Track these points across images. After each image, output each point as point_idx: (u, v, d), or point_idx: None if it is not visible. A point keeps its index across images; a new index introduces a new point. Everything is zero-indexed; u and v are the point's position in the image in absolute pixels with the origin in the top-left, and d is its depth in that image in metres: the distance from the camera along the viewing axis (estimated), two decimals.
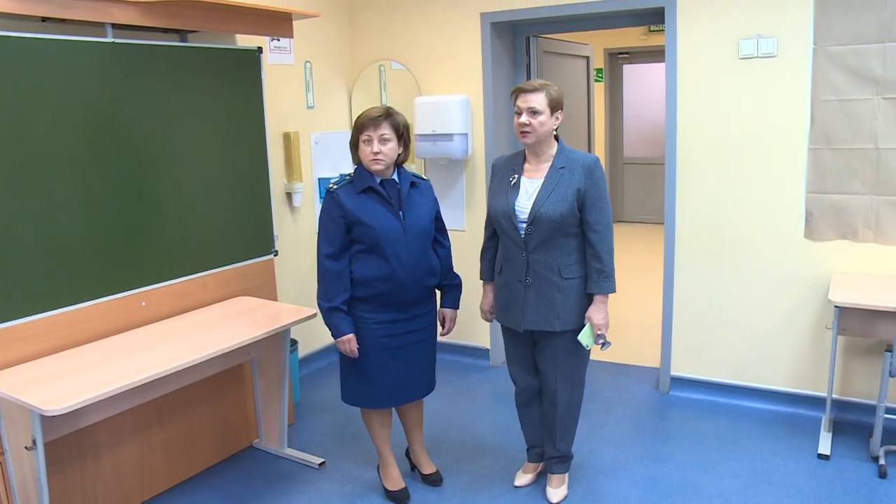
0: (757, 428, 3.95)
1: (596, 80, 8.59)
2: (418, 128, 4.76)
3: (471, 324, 5.02)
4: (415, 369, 3.21)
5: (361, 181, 3.03)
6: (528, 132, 2.96)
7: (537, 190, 3.00)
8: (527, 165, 3.09)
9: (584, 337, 3.05)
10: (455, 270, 3.34)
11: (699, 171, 4.14)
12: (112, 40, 3.19)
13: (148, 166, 3.40)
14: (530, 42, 4.93)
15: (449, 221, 4.90)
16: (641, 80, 9.83)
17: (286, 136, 4.60)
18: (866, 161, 3.70)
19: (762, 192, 3.99)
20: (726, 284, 4.18)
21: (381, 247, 2.99)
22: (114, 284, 3.29)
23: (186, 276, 3.62)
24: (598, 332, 3.05)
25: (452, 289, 3.32)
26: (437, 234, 3.23)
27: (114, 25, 3.24)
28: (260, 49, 3.93)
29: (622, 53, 9.72)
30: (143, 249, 3.40)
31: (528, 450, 3.52)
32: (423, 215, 3.10)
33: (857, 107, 3.67)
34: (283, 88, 4.60)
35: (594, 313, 3.03)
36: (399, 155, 3.07)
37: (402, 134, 3.04)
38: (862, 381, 3.92)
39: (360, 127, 2.99)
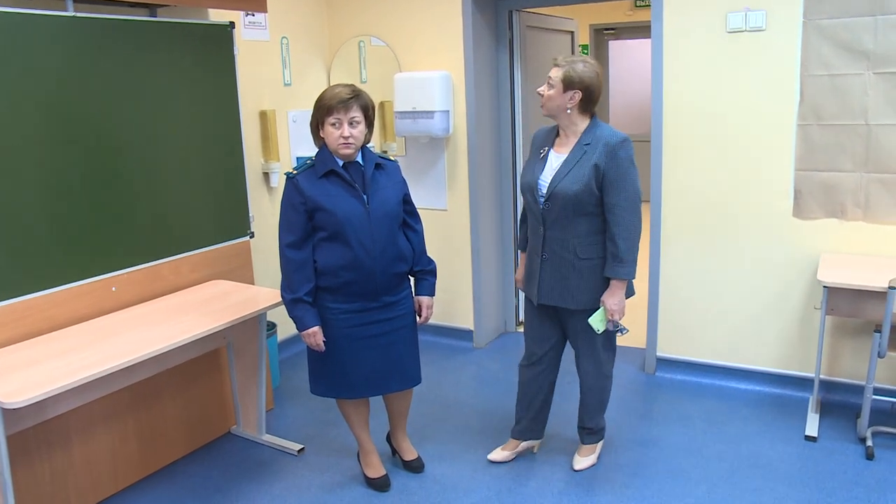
0: (744, 409, 3.90)
1: None
2: (398, 105, 4.64)
3: (454, 305, 4.94)
4: (391, 359, 3.06)
5: (323, 165, 2.88)
6: (542, 104, 2.99)
7: (559, 165, 2.97)
8: (558, 139, 3.06)
9: (595, 320, 3.01)
10: (430, 255, 3.21)
11: (685, 148, 4.04)
12: (73, 14, 3.04)
13: (116, 147, 3.27)
14: (513, 16, 4.80)
15: (430, 201, 4.84)
16: (628, 56, 9.71)
17: (262, 115, 4.47)
18: (856, 138, 3.61)
19: (750, 170, 3.90)
20: (713, 264, 4.10)
21: (344, 233, 2.84)
22: (81, 269, 3.18)
23: (158, 259, 3.51)
24: (611, 318, 2.99)
25: (426, 275, 3.17)
26: (408, 218, 3.09)
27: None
28: (232, 24, 3.79)
29: (608, 29, 9.58)
30: (112, 232, 3.28)
31: (515, 424, 3.49)
32: (389, 198, 2.95)
33: (848, 82, 3.58)
34: (259, 65, 4.46)
35: (607, 297, 2.99)
36: (365, 136, 2.92)
37: (370, 114, 2.91)
38: (850, 362, 3.87)
39: (328, 109, 2.81)
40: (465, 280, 4.87)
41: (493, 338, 5.12)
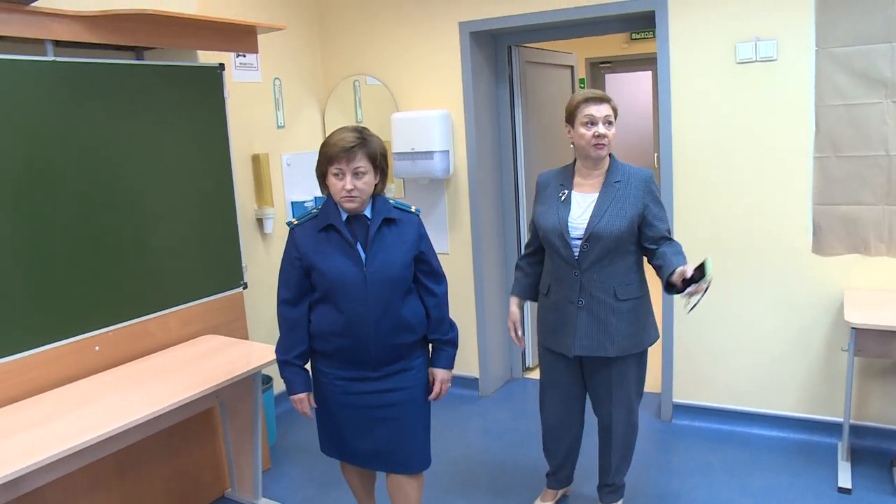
0: (768, 458, 3.68)
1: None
2: (396, 146, 4.49)
3: (458, 352, 4.71)
4: (392, 436, 2.68)
5: (325, 216, 2.57)
6: (603, 144, 2.78)
7: (592, 205, 2.83)
8: (577, 179, 2.92)
9: (709, 266, 2.54)
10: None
11: (696, 184, 3.88)
12: (53, 59, 2.88)
13: (99, 196, 3.09)
14: (512, 52, 4.67)
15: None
16: (625, 89, 9.61)
17: (255, 158, 4.30)
18: (876, 169, 3.45)
19: (765, 206, 3.74)
20: (730, 304, 3.91)
21: (334, 296, 2.53)
22: (61, 328, 2.98)
23: (145, 315, 3.31)
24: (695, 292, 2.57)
25: (444, 345, 2.75)
26: (425, 279, 2.69)
27: (59, 43, 2.96)
28: (222, 66, 3.64)
29: (604, 63, 9.49)
30: (94, 288, 3.09)
31: (549, 474, 3.30)
32: (393, 260, 2.56)
33: (866, 111, 3.43)
34: (251, 107, 4.31)
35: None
36: (376, 185, 2.58)
37: (379, 162, 2.55)
38: (879, 405, 3.66)
39: (330, 158, 2.48)
40: (469, 326, 4.67)
41: (500, 385, 4.90)
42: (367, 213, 2.59)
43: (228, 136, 3.68)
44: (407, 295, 2.63)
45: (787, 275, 3.75)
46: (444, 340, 2.75)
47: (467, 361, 4.76)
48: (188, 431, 3.46)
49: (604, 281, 2.82)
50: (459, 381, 4.80)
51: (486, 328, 4.67)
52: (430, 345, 2.78)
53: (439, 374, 2.76)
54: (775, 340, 3.84)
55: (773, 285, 3.79)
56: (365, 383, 2.63)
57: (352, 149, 2.46)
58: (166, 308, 3.41)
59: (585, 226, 2.80)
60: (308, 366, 2.73)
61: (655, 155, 9.26)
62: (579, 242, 2.81)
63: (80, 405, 2.73)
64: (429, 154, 4.39)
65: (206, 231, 3.60)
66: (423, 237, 2.69)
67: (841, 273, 3.63)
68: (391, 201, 2.67)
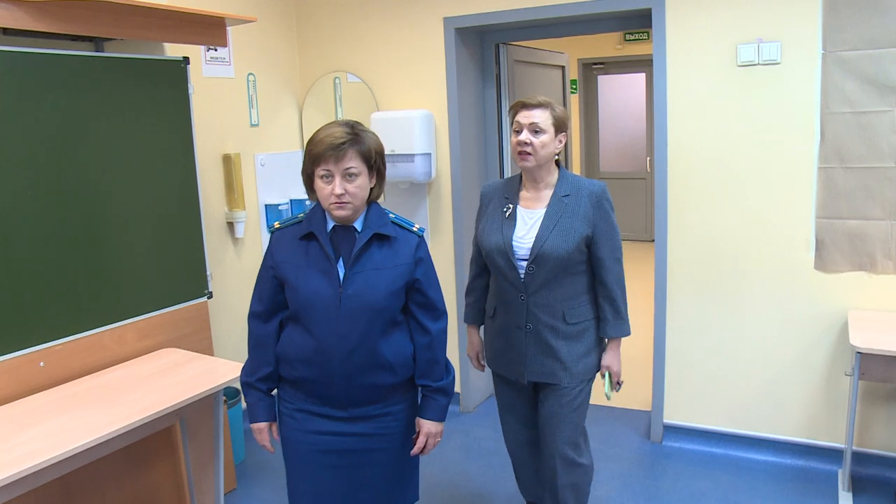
0: (764, 485, 3.47)
1: (570, 92, 8.15)
2: None
3: None
4: (356, 489, 2.28)
5: (308, 223, 2.21)
6: (527, 153, 2.54)
7: (538, 222, 2.59)
8: (523, 193, 2.68)
9: (607, 389, 2.77)
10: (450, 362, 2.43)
11: (693, 193, 3.66)
12: None
13: (48, 196, 2.84)
14: (500, 50, 4.44)
15: None
16: (618, 91, 9.42)
17: (226, 159, 4.05)
18: (885, 181, 3.24)
19: (766, 218, 3.52)
20: (725, 321, 3.70)
21: (305, 317, 2.17)
22: (1, 343, 2.72)
23: (98, 327, 3.06)
24: (618, 381, 2.75)
25: (434, 393, 2.31)
26: (419, 313, 2.28)
27: (7, 31, 2.72)
28: (187, 59, 3.39)
29: (597, 64, 9.29)
30: (40, 297, 2.84)
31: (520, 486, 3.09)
32: (376, 285, 2.15)
33: (874, 120, 3.22)
34: (223, 104, 4.05)
35: (611, 361, 2.72)
36: (371, 190, 2.20)
37: (375, 162, 2.17)
38: (883, 431, 3.46)
39: (316, 157, 2.09)
40: (450, 337, 4.44)
41: (482, 400, 4.67)
42: (358, 224, 2.19)
43: (193, 135, 3.44)
44: (391, 328, 2.22)
45: (787, 292, 3.54)
46: (434, 388, 2.30)
47: None
48: (145, 451, 3.22)
49: (552, 304, 2.60)
50: None
51: (466, 340, 4.42)
52: (420, 391, 2.36)
53: (426, 426, 2.32)
54: (774, 361, 3.63)
55: (772, 303, 3.58)
56: (328, 421, 2.24)
57: (342, 146, 2.07)
58: (122, 319, 3.16)
59: (531, 245, 2.56)
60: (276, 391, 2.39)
61: (648, 159, 9.09)
62: (525, 264, 2.58)
63: (23, 427, 2.49)
64: (409, 157, 4.15)
65: (167, 236, 3.36)
66: (422, 262, 2.26)
67: (845, 292, 3.42)
68: (390, 215, 2.27)
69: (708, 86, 3.55)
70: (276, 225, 2.29)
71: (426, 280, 2.27)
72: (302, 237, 2.20)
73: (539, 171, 2.60)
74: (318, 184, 2.12)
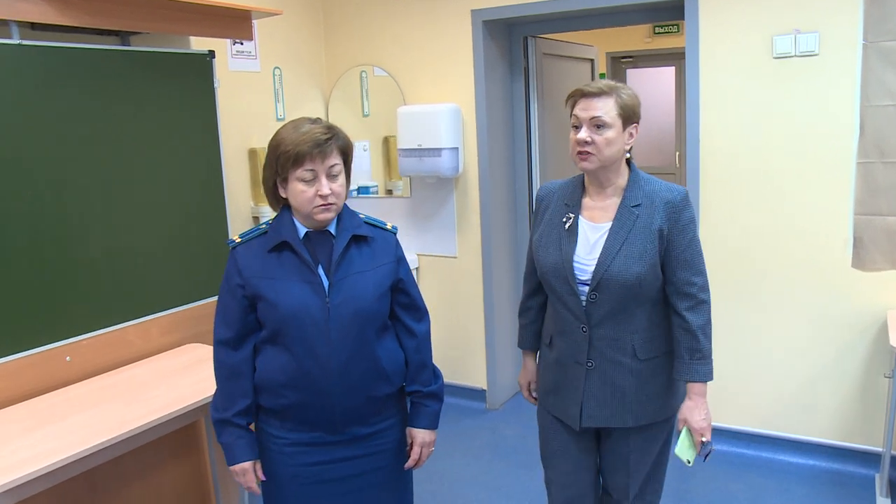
0: (797, 489, 3.39)
1: None
2: (402, 142, 4.22)
3: (465, 362, 4.46)
4: None
5: (276, 233, 2.02)
6: (589, 153, 2.08)
7: (602, 238, 2.13)
8: (586, 201, 2.21)
9: (684, 450, 2.14)
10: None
11: (725, 189, 3.59)
12: (19, 42, 2.63)
13: (74, 192, 2.85)
14: (528, 43, 4.39)
15: (438, 247, 4.37)
16: (647, 85, 9.28)
17: (252, 153, 4.05)
18: None
19: (801, 214, 3.44)
20: (758, 321, 3.62)
21: (287, 336, 1.98)
22: (28, 337, 2.73)
23: (123, 322, 3.06)
24: (702, 439, 2.14)
25: (425, 398, 2.17)
26: (404, 315, 2.16)
27: (33, 26, 2.72)
28: (212, 53, 3.38)
29: (625, 57, 9.18)
30: (66, 293, 2.84)
31: None
32: (364, 290, 2.02)
33: None
34: (249, 98, 4.05)
35: (691, 413, 2.14)
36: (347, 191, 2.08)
37: (350, 160, 2.05)
38: None
39: (296, 158, 1.91)
40: (476, 334, 4.40)
41: (509, 397, 4.63)
42: (332, 228, 2.05)
43: (219, 129, 3.43)
44: (382, 333, 2.09)
45: (824, 291, 3.45)
46: (425, 393, 2.17)
47: (474, 372, 4.49)
48: (170, 448, 3.21)
49: (620, 338, 2.14)
50: (465, 393, 4.53)
51: (494, 335, 4.39)
52: (409, 398, 2.22)
53: (419, 435, 2.17)
54: (808, 361, 3.54)
55: (807, 302, 3.49)
56: (322, 449, 2.06)
57: (327, 142, 1.93)
58: (147, 315, 3.16)
59: (594, 268, 2.11)
60: (254, 426, 2.16)
61: (677, 154, 8.97)
62: (587, 290, 2.12)
63: (49, 421, 2.49)
64: (436, 151, 4.11)
65: (192, 231, 3.35)
66: (401, 260, 2.16)
67: (883, 291, 3.33)
68: (360, 215, 2.14)
69: (742, 79, 3.47)
70: (237, 239, 2.07)
71: (408, 279, 2.18)
72: (271, 249, 2.02)
73: (604, 174, 2.14)
74: (298, 187, 1.95)
